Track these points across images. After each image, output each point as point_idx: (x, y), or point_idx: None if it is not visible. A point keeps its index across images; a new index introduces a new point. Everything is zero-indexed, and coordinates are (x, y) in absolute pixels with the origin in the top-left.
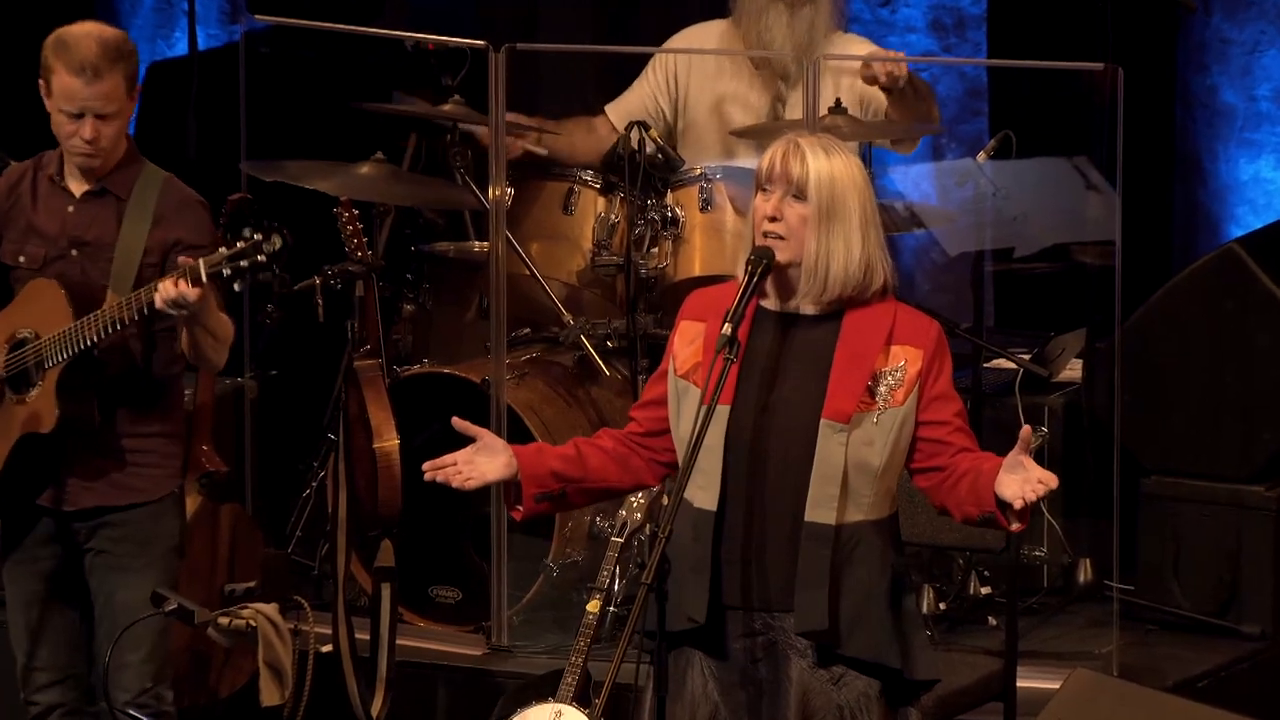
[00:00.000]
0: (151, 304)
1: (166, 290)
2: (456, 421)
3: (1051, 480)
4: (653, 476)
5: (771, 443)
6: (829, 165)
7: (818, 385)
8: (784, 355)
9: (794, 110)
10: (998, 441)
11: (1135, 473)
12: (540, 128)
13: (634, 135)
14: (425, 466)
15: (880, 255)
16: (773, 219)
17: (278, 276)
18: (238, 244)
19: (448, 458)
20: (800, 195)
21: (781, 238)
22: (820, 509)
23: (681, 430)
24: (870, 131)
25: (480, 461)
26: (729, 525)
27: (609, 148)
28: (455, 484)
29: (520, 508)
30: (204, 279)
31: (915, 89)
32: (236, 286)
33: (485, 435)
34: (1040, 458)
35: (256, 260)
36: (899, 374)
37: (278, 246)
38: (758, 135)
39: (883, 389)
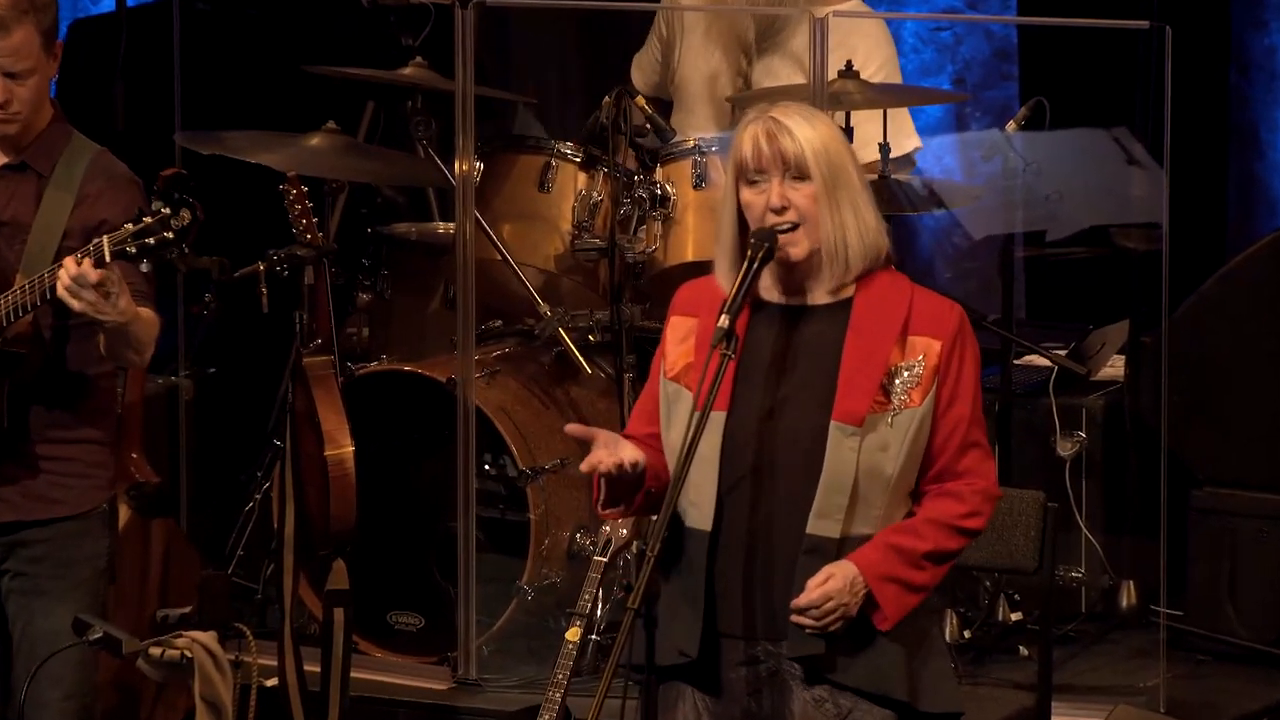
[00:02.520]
0: (54, 288)
1: (69, 269)
2: (571, 428)
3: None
4: None
5: (774, 451)
6: (815, 132)
7: (826, 383)
8: (788, 352)
9: (761, 81)
10: (1030, 448)
11: (1185, 483)
12: (511, 95)
13: (620, 103)
14: (570, 429)
15: (878, 216)
16: (780, 209)
17: (185, 255)
18: (144, 219)
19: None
20: (801, 174)
21: (796, 225)
22: (824, 520)
23: (672, 439)
24: (885, 99)
25: (622, 448)
26: (725, 546)
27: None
28: (604, 468)
29: (621, 506)
30: (107, 258)
31: None
32: (144, 266)
33: (601, 433)
34: (1078, 466)
35: (163, 236)
36: (916, 369)
37: (186, 222)
38: (752, 103)
39: (898, 386)
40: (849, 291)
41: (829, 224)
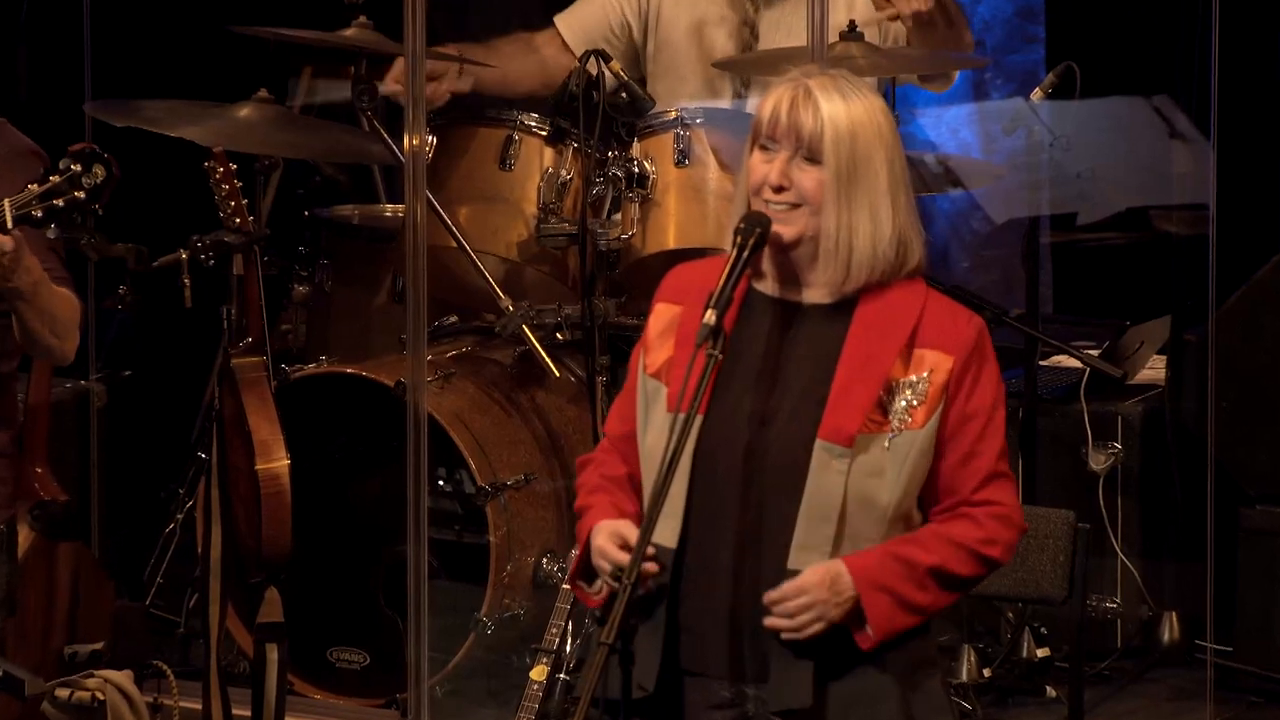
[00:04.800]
0: None
1: None
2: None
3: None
4: None
5: (754, 466)
6: (847, 113)
7: (816, 396)
8: (780, 354)
9: (770, 36)
10: (1058, 462)
11: (1234, 501)
12: (464, 57)
13: (590, 67)
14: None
15: (913, 222)
16: (779, 188)
17: (96, 240)
18: (51, 178)
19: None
20: (813, 157)
21: (793, 205)
22: (808, 554)
23: (648, 444)
24: (894, 64)
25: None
26: (695, 570)
27: (559, 75)
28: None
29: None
30: (9, 224)
31: (944, 8)
32: (51, 232)
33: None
34: (1113, 482)
35: (74, 197)
36: (921, 386)
37: (100, 179)
38: (744, 68)
39: (899, 405)
40: (856, 294)
41: (833, 220)
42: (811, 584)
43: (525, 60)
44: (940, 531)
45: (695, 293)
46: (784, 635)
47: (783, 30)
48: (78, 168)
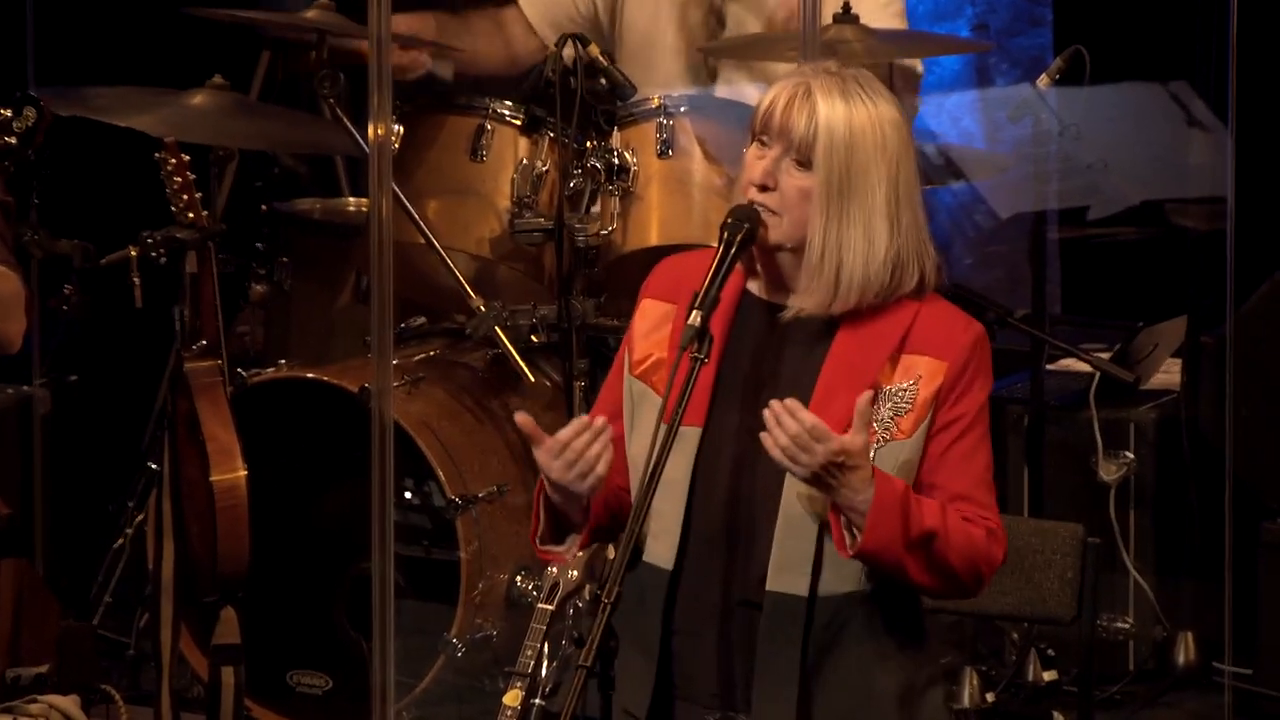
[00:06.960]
0: None
1: None
2: (522, 419)
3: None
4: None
5: (753, 483)
6: (847, 118)
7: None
8: (768, 364)
9: (741, 27)
10: (1066, 472)
11: (1255, 514)
12: (438, 41)
13: (568, 52)
14: (521, 419)
15: (916, 246)
16: (763, 187)
17: (39, 238)
18: None
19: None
20: (804, 161)
21: (774, 213)
22: (786, 574)
23: (634, 451)
24: (891, 49)
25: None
26: (690, 593)
27: (524, 57)
28: (596, 472)
29: (566, 544)
30: None
31: None
32: None
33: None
34: (1125, 493)
35: (5, 143)
36: (909, 394)
37: (32, 121)
38: (732, 53)
39: (885, 413)
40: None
41: (819, 233)
42: (853, 445)
43: (492, 39)
44: (955, 515)
45: (689, 289)
46: (767, 444)
47: (752, 21)
48: (8, 112)
